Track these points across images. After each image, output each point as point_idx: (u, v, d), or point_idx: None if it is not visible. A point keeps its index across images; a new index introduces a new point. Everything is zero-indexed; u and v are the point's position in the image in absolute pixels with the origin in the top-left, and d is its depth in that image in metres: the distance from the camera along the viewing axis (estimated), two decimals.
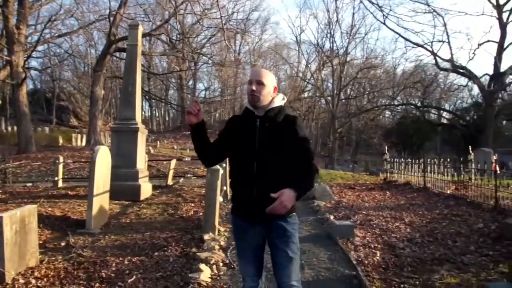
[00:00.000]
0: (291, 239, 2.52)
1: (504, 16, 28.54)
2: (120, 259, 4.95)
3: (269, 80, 2.58)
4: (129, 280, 4.24)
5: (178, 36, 27.60)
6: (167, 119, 55.02)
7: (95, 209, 6.36)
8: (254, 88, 2.52)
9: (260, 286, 2.65)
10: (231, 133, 2.62)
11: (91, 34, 28.35)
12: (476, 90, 35.67)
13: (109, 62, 27.28)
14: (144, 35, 21.80)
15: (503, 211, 7.31)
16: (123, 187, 8.91)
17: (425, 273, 4.53)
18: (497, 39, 29.06)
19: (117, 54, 24.24)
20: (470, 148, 14.74)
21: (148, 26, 25.22)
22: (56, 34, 24.83)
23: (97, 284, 4.13)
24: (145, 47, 35.01)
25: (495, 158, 9.62)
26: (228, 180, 2.69)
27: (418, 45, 31.87)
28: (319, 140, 42.59)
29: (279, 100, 2.63)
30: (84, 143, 23.67)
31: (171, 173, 12.84)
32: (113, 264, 4.75)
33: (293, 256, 2.52)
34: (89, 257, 5.01)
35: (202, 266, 4.44)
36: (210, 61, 31.37)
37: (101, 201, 6.69)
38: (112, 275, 4.43)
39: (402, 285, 4.13)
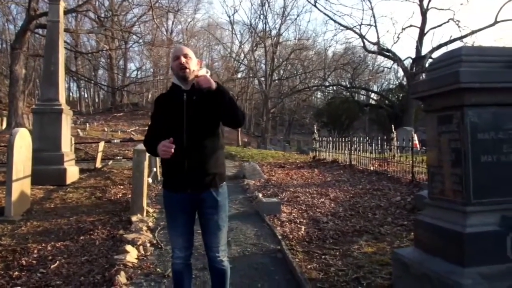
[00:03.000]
0: (222, 208, 2.72)
1: (425, 3, 30.15)
2: (43, 245, 4.78)
3: (193, 54, 2.71)
4: (52, 266, 4.12)
5: (107, 13, 26.23)
6: (97, 100, 52.59)
7: (14, 195, 6.04)
8: (183, 61, 2.61)
9: (188, 257, 2.76)
10: (161, 111, 2.69)
11: (9, 8, 26.23)
12: (401, 72, 37.51)
13: (31, 39, 25.42)
14: (68, 11, 20.58)
15: (418, 184, 7.89)
16: (47, 171, 8.55)
17: (346, 244, 4.81)
18: (419, 25, 30.70)
19: (40, 31, 22.62)
20: (393, 127, 15.66)
21: (73, 1, 23.78)
22: None
23: (16, 273, 3.96)
24: (70, 24, 33.06)
25: (413, 136, 10.31)
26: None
27: (347, 28, 32.89)
28: (252, 120, 42.95)
29: (203, 73, 2.69)
30: (4, 126, 22.08)
31: (99, 155, 12.42)
32: (35, 251, 4.58)
33: (223, 224, 2.72)
34: (8, 246, 4.78)
35: (129, 247, 4.40)
36: (141, 41, 30.31)
37: (21, 186, 6.36)
38: (34, 262, 4.27)
39: (323, 257, 4.36)
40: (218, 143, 2.71)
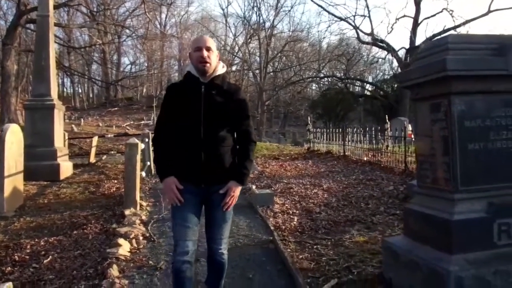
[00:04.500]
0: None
1: None
2: (36, 240, 4.77)
3: (215, 47, 2.64)
4: (45, 261, 4.11)
5: (99, 7, 25.99)
6: (91, 95, 52.29)
7: (7, 191, 6.03)
8: (205, 54, 2.54)
9: (193, 253, 2.61)
10: (175, 100, 2.62)
11: None
12: (395, 62, 37.45)
13: (22, 35, 25.15)
14: (60, 5, 20.39)
15: (411, 173, 7.92)
16: (41, 167, 8.53)
17: (338, 234, 4.84)
18: (413, 15, 30.63)
19: (32, 26, 22.37)
20: (387, 118, 15.70)
21: None
22: None
23: (9, 268, 3.96)
24: (62, 18, 32.79)
25: (405, 126, 10.34)
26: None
27: (341, 19, 32.78)
28: None
29: (221, 68, 2.67)
30: None
31: (93, 150, 12.41)
32: (28, 247, 4.57)
33: (229, 217, 2.73)
34: (1, 242, 4.77)
35: (121, 240, 4.40)
36: (134, 35, 30.11)
37: (14, 182, 6.34)
38: (26, 257, 4.26)
39: (315, 246, 4.39)
40: (233, 137, 2.69)
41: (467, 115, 2.82)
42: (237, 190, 2.65)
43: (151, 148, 10.22)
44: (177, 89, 2.68)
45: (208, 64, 2.55)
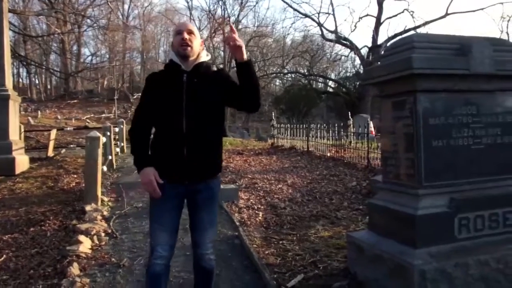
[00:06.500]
0: (216, 200, 2.55)
1: None
2: None
3: (197, 32, 2.46)
4: None
5: None
6: (49, 87, 50.32)
7: None
8: (186, 37, 2.34)
9: (170, 258, 2.44)
10: (154, 91, 2.40)
11: None
12: (358, 60, 38.16)
13: None
14: None
15: (373, 169, 8.09)
16: None
17: (303, 229, 4.88)
18: (375, 14, 31.28)
19: None
20: (349, 114, 15.97)
21: None
22: None
23: None
24: (18, 5, 31.39)
25: (369, 123, 10.56)
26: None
27: (305, 15, 33.04)
28: None
29: (205, 56, 2.48)
30: None
31: (51, 144, 11.94)
32: None
33: (216, 218, 2.58)
34: None
35: (82, 237, 4.26)
36: (95, 25, 29.17)
37: None
38: None
39: (281, 242, 4.41)
40: (220, 130, 2.51)
41: (431, 113, 2.88)
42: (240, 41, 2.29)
43: (113, 143, 10.00)
44: (157, 78, 2.46)
45: (189, 48, 2.35)
